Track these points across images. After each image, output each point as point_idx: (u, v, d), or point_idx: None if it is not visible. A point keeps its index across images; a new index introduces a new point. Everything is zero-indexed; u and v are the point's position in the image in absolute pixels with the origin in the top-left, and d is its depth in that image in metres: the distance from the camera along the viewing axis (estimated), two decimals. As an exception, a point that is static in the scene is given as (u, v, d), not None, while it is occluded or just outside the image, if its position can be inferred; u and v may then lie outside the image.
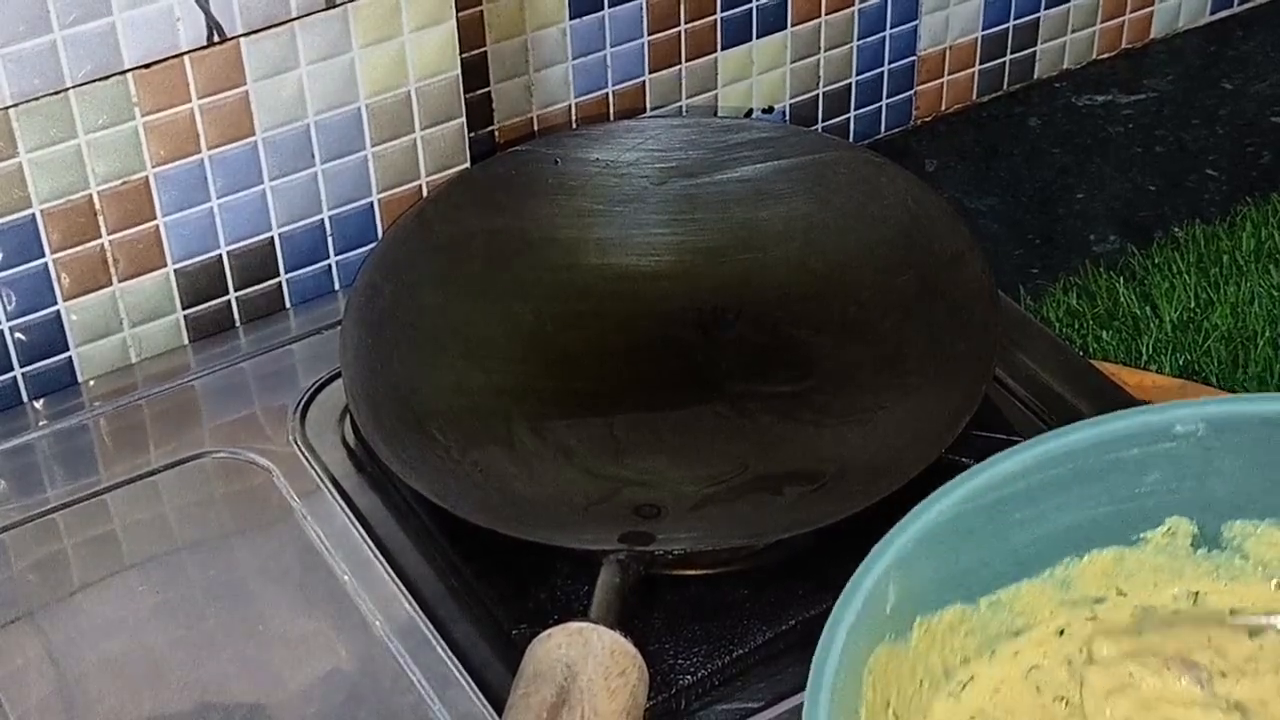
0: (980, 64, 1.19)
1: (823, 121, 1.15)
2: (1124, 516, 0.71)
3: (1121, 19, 1.23)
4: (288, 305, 0.98)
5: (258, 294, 0.96)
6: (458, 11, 0.94)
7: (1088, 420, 0.70)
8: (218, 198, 0.92)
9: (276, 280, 0.97)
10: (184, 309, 0.95)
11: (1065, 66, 1.23)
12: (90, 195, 0.89)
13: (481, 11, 1.00)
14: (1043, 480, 0.69)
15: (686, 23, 1.06)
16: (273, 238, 0.95)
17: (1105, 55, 1.24)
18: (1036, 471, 0.69)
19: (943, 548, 0.68)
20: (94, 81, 0.86)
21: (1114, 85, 1.22)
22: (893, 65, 1.16)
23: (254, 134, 0.91)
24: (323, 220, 0.96)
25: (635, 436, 0.88)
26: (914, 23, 1.15)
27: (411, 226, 0.95)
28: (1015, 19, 1.19)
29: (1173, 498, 0.71)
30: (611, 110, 1.07)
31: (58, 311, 0.91)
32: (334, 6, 0.90)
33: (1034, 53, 1.21)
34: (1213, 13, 1.28)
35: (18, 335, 0.90)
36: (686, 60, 1.08)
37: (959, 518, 0.68)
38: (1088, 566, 0.72)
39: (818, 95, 1.14)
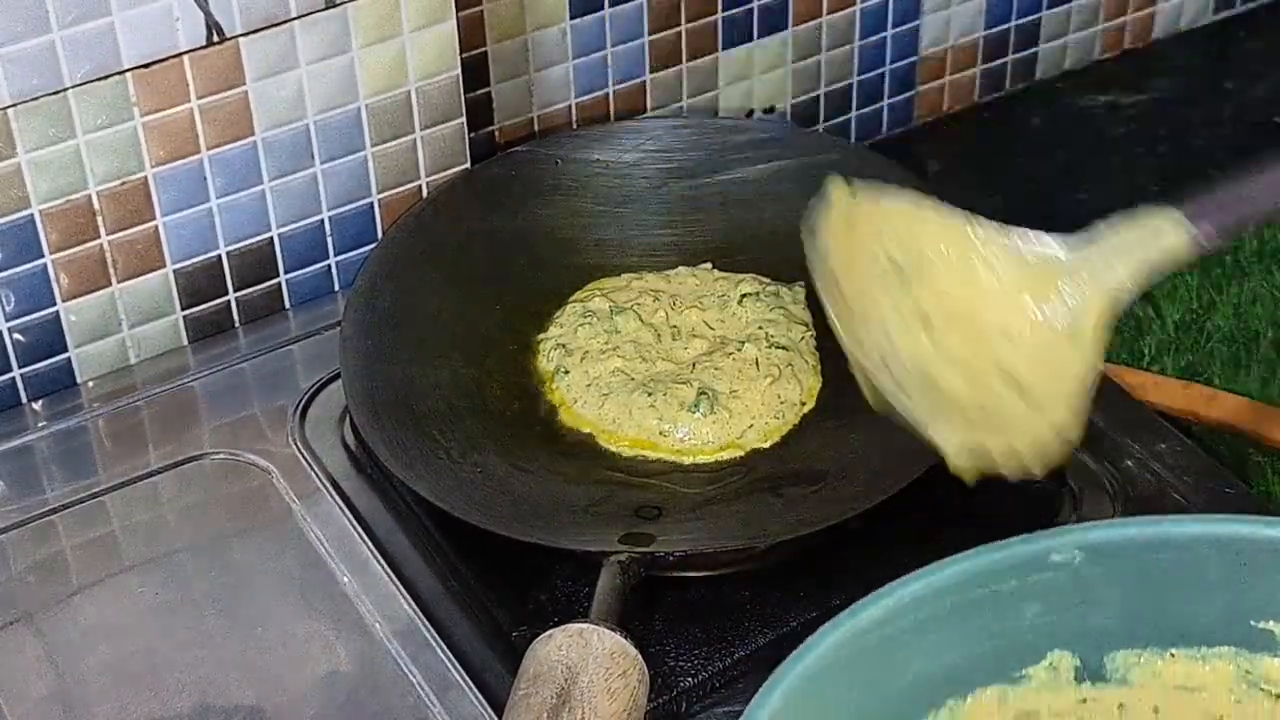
0: (982, 64, 1.19)
1: (824, 122, 1.15)
2: (1005, 652, 0.67)
3: (1123, 19, 1.23)
4: (287, 306, 0.98)
5: (257, 294, 0.96)
6: (458, 11, 0.94)
7: (962, 554, 0.65)
8: (217, 198, 0.92)
9: (276, 281, 0.97)
10: (183, 310, 0.94)
11: (1067, 67, 1.23)
12: (89, 195, 0.89)
13: (482, 11, 1.00)
14: (921, 618, 0.65)
15: (687, 22, 1.06)
16: (272, 238, 0.95)
17: (1107, 56, 1.24)
18: (916, 609, 0.64)
19: (828, 691, 0.64)
20: (93, 81, 0.86)
21: (1116, 86, 1.22)
22: (894, 66, 1.15)
23: (253, 134, 0.91)
24: (322, 221, 0.96)
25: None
26: (915, 23, 1.14)
27: (411, 227, 0.95)
28: (1017, 19, 1.18)
29: (1053, 630, 0.67)
30: (612, 110, 1.07)
31: (56, 312, 0.91)
32: (333, 6, 0.89)
33: (1036, 53, 1.21)
34: (1215, 13, 1.28)
35: (16, 336, 0.90)
36: (687, 60, 1.08)
37: (842, 659, 0.64)
38: (972, 708, 0.68)
39: (819, 96, 1.14)
